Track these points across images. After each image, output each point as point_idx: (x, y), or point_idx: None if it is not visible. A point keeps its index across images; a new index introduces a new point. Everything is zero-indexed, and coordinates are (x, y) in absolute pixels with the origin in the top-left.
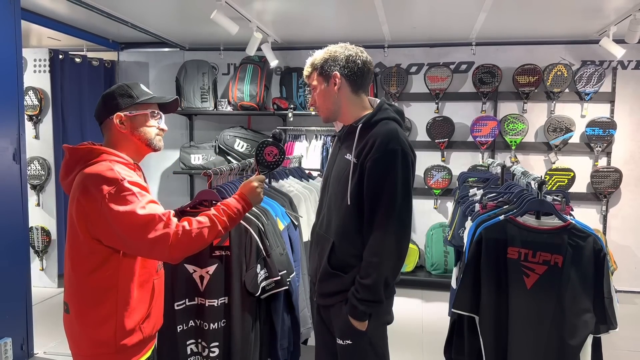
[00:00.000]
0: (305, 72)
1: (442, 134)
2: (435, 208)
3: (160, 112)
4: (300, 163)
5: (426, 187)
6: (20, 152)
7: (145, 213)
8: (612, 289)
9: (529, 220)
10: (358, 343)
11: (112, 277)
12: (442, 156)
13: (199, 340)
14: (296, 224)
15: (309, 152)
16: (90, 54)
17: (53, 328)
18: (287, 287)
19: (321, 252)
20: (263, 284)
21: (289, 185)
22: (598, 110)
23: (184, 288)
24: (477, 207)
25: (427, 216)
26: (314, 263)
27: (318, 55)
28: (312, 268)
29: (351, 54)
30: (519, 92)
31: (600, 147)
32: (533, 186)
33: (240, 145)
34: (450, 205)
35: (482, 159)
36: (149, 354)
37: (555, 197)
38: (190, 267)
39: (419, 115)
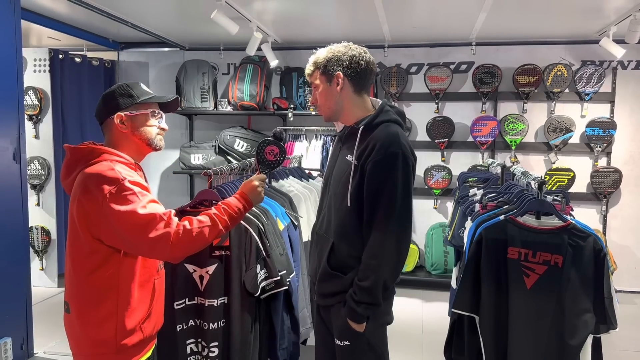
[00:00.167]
0: (308, 71)
1: (442, 134)
2: (435, 208)
3: (161, 112)
4: (300, 163)
5: (426, 187)
6: (20, 152)
7: (146, 212)
8: (612, 289)
9: (529, 220)
10: (356, 344)
11: (113, 277)
12: (442, 156)
13: (199, 340)
14: (296, 224)
15: (309, 152)
16: (90, 54)
17: (53, 328)
18: (286, 287)
19: (321, 253)
20: (263, 284)
21: (289, 185)
22: (598, 111)
23: (184, 287)
24: (477, 207)
25: (427, 216)
26: (313, 263)
27: (321, 54)
28: (312, 268)
29: (355, 54)
30: (519, 92)
31: (600, 147)
32: (533, 186)
33: (240, 145)
34: (450, 205)
35: (482, 159)
36: (149, 353)
37: (555, 197)
38: (190, 267)
39: (419, 115)
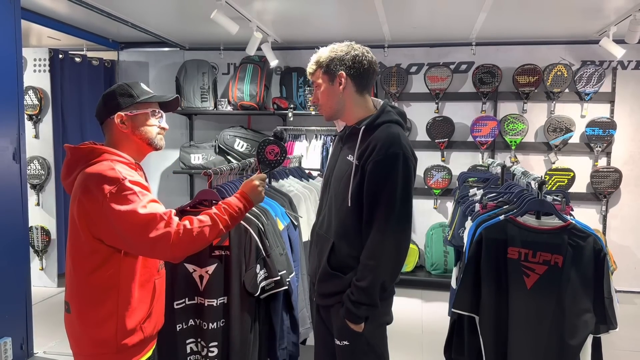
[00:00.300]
0: (310, 69)
1: (442, 134)
2: (435, 208)
3: (161, 111)
4: (300, 163)
5: (426, 187)
6: (20, 152)
7: (146, 212)
8: (612, 289)
9: (529, 220)
10: (356, 344)
11: (114, 277)
12: (442, 156)
13: (199, 340)
14: (296, 224)
15: (308, 152)
16: (90, 54)
17: (53, 328)
18: (286, 287)
19: (321, 252)
20: (262, 284)
21: (289, 185)
22: (598, 111)
23: (184, 287)
24: (477, 207)
25: (427, 216)
26: (313, 263)
27: (324, 54)
28: (312, 268)
29: (357, 54)
30: (519, 92)
31: (600, 147)
32: (533, 186)
33: (240, 145)
34: (450, 205)
35: (482, 159)
36: (149, 353)
37: (555, 197)
38: (190, 267)
39: (419, 115)
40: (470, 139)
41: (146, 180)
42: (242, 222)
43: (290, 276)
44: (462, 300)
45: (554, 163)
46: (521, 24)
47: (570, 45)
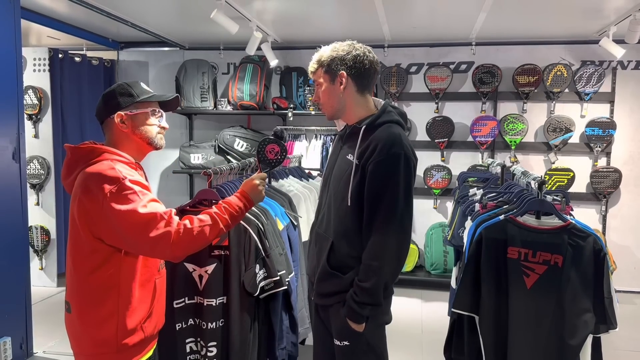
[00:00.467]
0: (311, 68)
1: (442, 133)
2: (434, 208)
3: (161, 110)
4: (300, 162)
5: (426, 186)
6: (20, 151)
7: (146, 212)
8: (612, 289)
9: (529, 220)
10: (356, 344)
11: (114, 277)
12: (442, 156)
13: (198, 339)
14: (295, 224)
15: (308, 152)
16: (90, 53)
17: (52, 327)
18: (285, 287)
19: (320, 252)
20: (262, 284)
21: (289, 184)
22: (598, 111)
23: (184, 286)
24: (477, 206)
25: (427, 216)
26: (312, 262)
27: (325, 53)
28: (311, 267)
29: (359, 53)
30: (518, 92)
31: (599, 147)
32: (533, 186)
33: (240, 145)
34: (449, 205)
35: (482, 158)
36: (150, 353)
37: (555, 197)
38: (190, 266)
39: (419, 115)
40: (470, 138)
41: (146, 179)
42: (241, 222)
43: (289, 276)
44: (462, 300)
45: (553, 163)
46: (521, 24)
47: (570, 45)
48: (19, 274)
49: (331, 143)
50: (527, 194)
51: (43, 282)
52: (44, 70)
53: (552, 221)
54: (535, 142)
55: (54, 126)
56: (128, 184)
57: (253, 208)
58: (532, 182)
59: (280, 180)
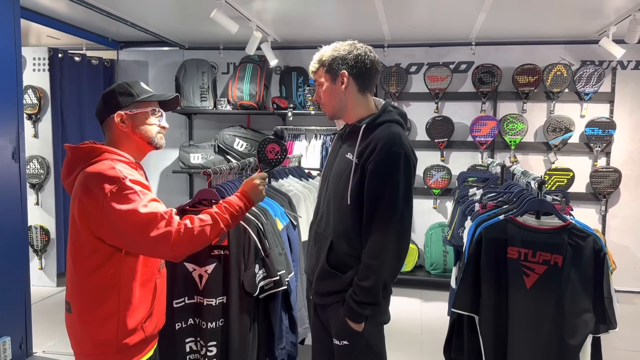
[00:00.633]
0: (312, 68)
1: (442, 133)
2: (434, 208)
3: (161, 110)
4: (299, 162)
5: (425, 186)
6: (20, 151)
7: (147, 211)
8: (612, 288)
9: (529, 220)
10: (355, 343)
11: (115, 276)
12: (442, 156)
13: (198, 339)
14: (295, 223)
15: (308, 152)
16: (89, 53)
17: (52, 327)
18: (285, 287)
19: (319, 251)
20: (261, 283)
21: (289, 184)
22: (597, 111)
23: (183, 286)
24: (477, 206)
25: (427, 216)
26: (311, 261)
27: (326, 52)
28: (310, 266)
29: (360, 53)
30: (518, 92)
31: (599, 147)
32: (533, 186)
33: (240, 145)
34: (449, 205)
35: (482, 158)
36: (150, 353)
37: (555, 197)
38: (189, 266)
39: (419, 115)
40: (470, 138)
41: (146, 179)
42: (241, 222)
43: (289, 276)
44: (461, 300)
45: (553, 163)
46: (521, 24)
47: (569, 45)
48: (18, 273)
49: (331, 143)
50: (527, 194)
51: (42, 282)
52: (44, 70)
53: (552, 221)
54: (535, 142)
55: (54, 126)
56: (128, 183)
57: (253, 208)
58: (532, 182)
59: (280, 180)
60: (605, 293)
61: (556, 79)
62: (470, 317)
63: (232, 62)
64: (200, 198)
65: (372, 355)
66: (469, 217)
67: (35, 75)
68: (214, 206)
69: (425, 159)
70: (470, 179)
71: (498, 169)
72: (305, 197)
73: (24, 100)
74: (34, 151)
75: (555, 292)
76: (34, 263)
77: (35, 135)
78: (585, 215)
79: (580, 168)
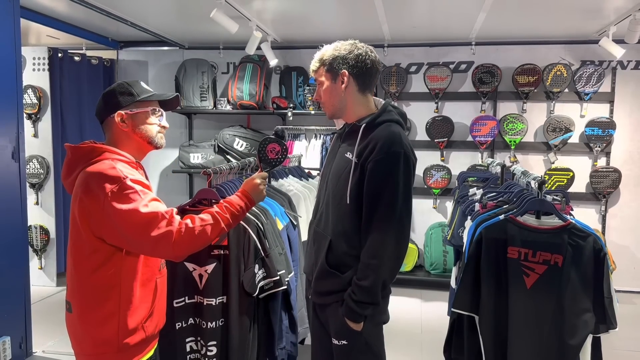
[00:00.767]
0: (313, 67)
1: (442, 133)
2: (434, 208)
3: (161, 110)
4: (299, 162)
5: (425, 186)
6: (19, 151)
7: (148, 211)
8: (612, 288)
9: (529, 219)
10: (354, 343)
11: (115, 276)
12: (442, 156)
13: (198, 338)
14: (295, 223)
15: (308, 151)
16: (89, 53)
17: (52, 327)
18: (285, 287)
19: (318, 250)
20: (261, 283)
21: (289, 184)
22: (597, 110)
23: (184, 286)
24: (477, 206)
25: (426, 216)
26: (310, 260)
27: (327, 52)
28: (309, 265)
29: (361, 52)
30: (518, 92)
31: (599, 147)
32: (533, 186)
33: (240, 144)
34: (449, 204)
35: (482, 158)
36: (151, 353)
37: (555, 197)
38: (190, 265)
39: (419, 114)
40: (470, 138)
41: (147, 178)
42: (241, 222)
43: (289, 276)
44: (461, 300)
45: (553, 163)
46: (521, 24)
47: (569, 45)
48: (18, 273)
49: (330, 142)
50: (527, 194)
51: (42, 282)
52: (44, 70)
53: (552, 221)
54: (534, 142)
55: (54, 125)
56: (129, 183)
57: (253, 208)
58: (532, 182)
59: (280, 179)
60: (605, 293)
61: (556, 79)
62: (470, 317)
63: (232, 61)
64: (200, 198)
65: (371, 354)
66: (469, 217)
67: (35, 75)
68: (214, 206)
69: (425, 159)
70: (470, 178)
71: (498, 169)
72: (305, 196)
73: (24, 100)
74: (33, 151)
75: (555, 292)
76: (34, 263)
77: (35, 135)
78: (585, 215)
79: (580, 168)
